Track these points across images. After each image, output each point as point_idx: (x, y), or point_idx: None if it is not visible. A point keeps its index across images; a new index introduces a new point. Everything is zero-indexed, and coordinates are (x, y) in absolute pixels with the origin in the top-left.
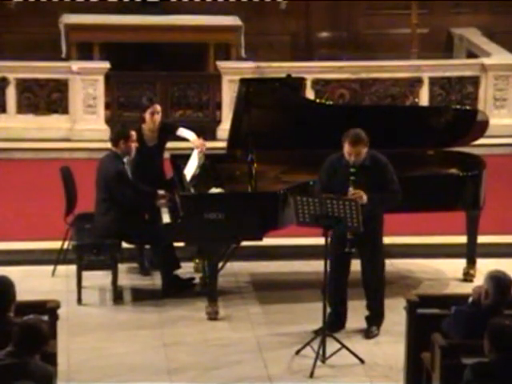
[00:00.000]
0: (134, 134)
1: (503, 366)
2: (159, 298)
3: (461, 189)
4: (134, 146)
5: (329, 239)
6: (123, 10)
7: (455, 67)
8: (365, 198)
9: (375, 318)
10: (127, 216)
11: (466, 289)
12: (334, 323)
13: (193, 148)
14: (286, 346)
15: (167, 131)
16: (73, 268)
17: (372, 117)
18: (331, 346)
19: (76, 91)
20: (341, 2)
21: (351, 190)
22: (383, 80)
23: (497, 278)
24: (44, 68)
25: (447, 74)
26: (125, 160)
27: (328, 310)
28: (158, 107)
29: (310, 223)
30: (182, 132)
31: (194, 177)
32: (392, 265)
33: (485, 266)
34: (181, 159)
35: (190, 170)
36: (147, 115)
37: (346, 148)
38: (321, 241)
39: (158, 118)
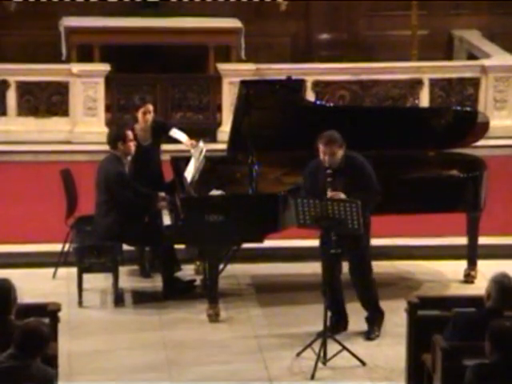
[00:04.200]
0: (130, 133)
1: (504, 367)
2: (160, 300)
3: (461, 190)
4: (132, 145)
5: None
6: (123, 12)
7: (455, 69)
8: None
9: (374, 319)
10: (128, 218)
11: (467, 290)
12: (338, 323)
13: (190, 150)
14: (287, 347)
15: (160, 129)
16: (73, 270)
17: (372, 118)
18: (332, 347)
19: (76, 94)
20: (341, 4)
21: (329, 192)
22: (383, 81)
23: (500, 282)
24: (44, 70)
25: (447, 75)
26: (128, 158)
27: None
28: (150, 107)
29: (310, 225)
30: (175, 133)
31: (194, 179)
32: (393, 266)
33: (486, 267)
34: (181, 161)
35: (191, 172)
36: (139, 114)
37: (320, 148)
38: None
39: (149, 117)
